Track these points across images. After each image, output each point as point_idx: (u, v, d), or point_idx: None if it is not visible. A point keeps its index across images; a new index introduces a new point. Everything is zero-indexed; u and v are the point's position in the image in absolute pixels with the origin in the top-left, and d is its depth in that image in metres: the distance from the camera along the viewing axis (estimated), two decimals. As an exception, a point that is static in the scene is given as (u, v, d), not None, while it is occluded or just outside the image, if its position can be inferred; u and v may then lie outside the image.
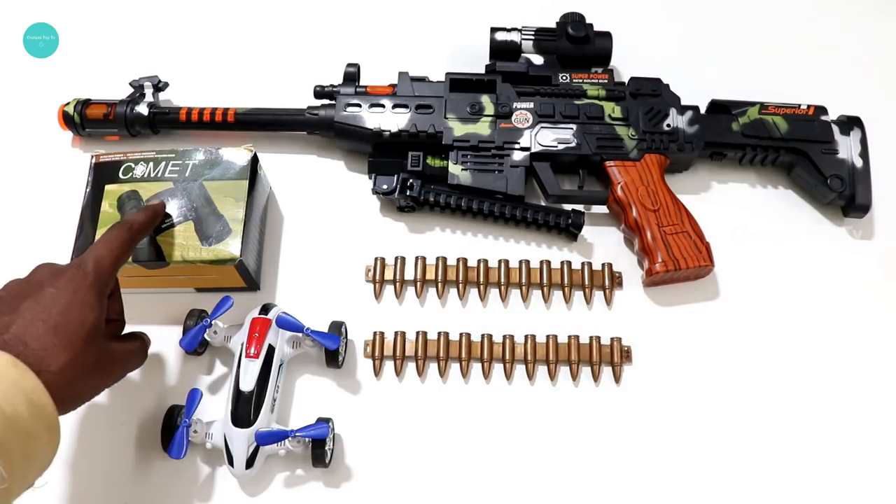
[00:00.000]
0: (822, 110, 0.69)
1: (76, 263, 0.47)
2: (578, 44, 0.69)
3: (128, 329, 0.53)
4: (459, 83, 0.68)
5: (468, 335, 0.61)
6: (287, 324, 0.56)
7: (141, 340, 0.53)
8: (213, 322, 0.57)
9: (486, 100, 0.67)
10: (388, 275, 0.64)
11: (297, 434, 0.53)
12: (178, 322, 0.58)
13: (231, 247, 0.58)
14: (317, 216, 0.68)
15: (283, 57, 0.76)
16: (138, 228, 0.53)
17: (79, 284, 0.46)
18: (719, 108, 0.69)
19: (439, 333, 0.61)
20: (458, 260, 0.64)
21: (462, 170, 0.65)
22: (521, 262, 0.65)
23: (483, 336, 0.62)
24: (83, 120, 0.68)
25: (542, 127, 0.67)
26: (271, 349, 0.56)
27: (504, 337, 0.62)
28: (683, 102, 0.68)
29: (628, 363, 0.61)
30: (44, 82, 0.74)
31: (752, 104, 0.68)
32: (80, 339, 0.44)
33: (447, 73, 0.68)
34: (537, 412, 0.59)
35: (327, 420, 0.55)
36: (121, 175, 0.61)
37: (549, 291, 0.64)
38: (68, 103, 0.69)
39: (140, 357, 0.53)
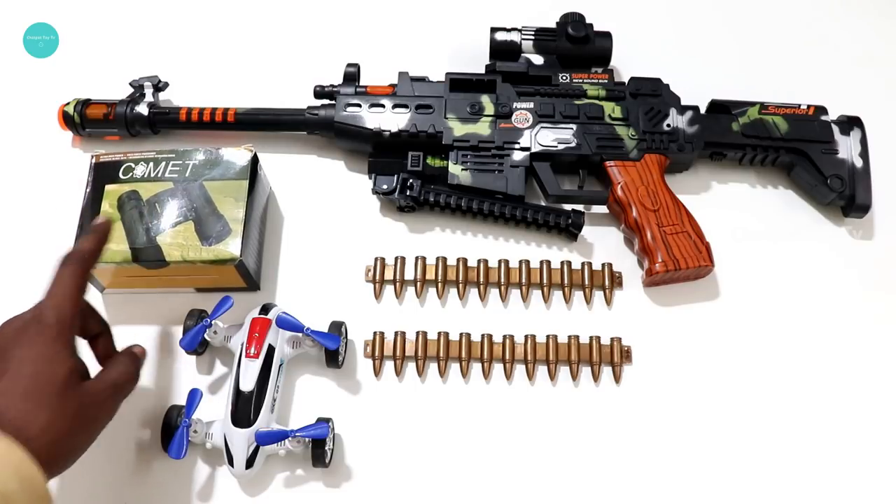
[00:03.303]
0: (822, 110, 0.69)
1: (35, 316, 0.45)
2: (578, 44, 0.69)
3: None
4: (459, 83, 0.68)
5: (468, 335, 0.61)
6: (287, 324, 0.56)
7: (126, 362, 0.51)
8: (213, 322, 0.57)
9: (486, 100, 0.67)
10: (388, 275, 0.64)
11: (297, 434, 0.53)
12: (178, 322, 0.58)
13: (231, 247, 0.58)
14: (317, 216, 0.68)
15: (283, 57, 0.76)
16: (90, 257, 0.50)
17: (42, 341, 0.44)
18: (719, 108, 0.69)
19: (439, 333, 0.61)
20: (458, 260, 0.64)
21: (462, 170, 0.65)
22: (521, 262, 0.65)
23: (483, 336, 0.62)
24: (83, 120, 0.68)
25: (542, 127, 0.67)
26: (271, 349, 0.56)
27: (504, 337, 0.62)
28: (683, 102, 0.68)
29: (628, 363, 0.61)
30: (44, 82, 0.74)
31: (752, 104, 0.68)
32: (54, 396, 0.43)
33: (447, 73, 0.68)
34: (537, 412, 0.59)
35: (327, 420, 0.55)
36: (121, 175, 0.61)
37: (549, 291, 0.64)
38: (68, 103, 0.69)
39: (130, 383, 0.50)
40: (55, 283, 0.47)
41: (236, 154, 0.62)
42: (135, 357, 0.51)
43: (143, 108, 0.68)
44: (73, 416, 0.44)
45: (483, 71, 0.70)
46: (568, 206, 0.67)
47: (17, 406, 0.42)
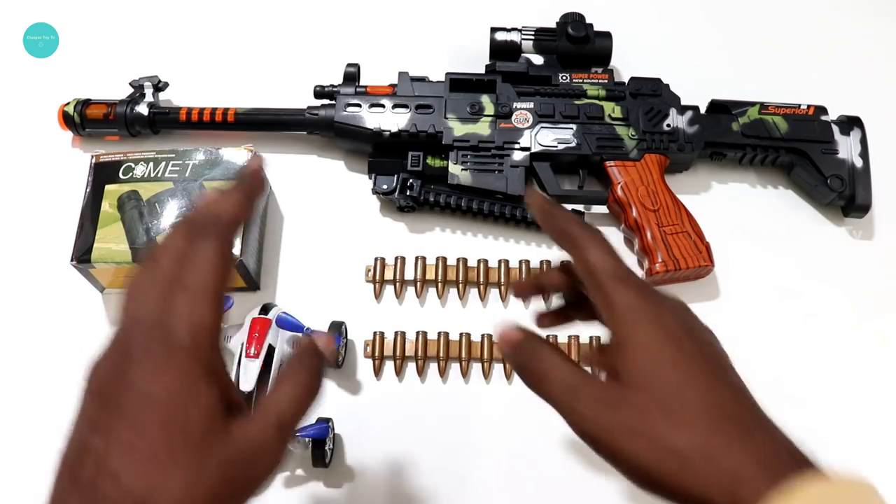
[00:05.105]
0: (822, 110, 0.69)
1: (160, 327, 0.31)
2: (578, 44, 0.69)
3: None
4: (459, 83, 0.68)
5: (468, 335, 0.61)
6: (287, 324, 0.56)
7: (301, 374, 0.34)
8: (213, 322, 0.57)
9: (486, 100, 0.67)
10: (388, 275, 0.64)
11: (297, 434, 0.53)
12: (178, 322, 0.58)
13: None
14: (317, 216, 0.68)
15: (283, 57, 0.76)
16: (234, 226, 0.35)
17: (172, 368, 0.30)
18: (719, 108, 0.69)
19: (439, 333, 0.61)
20: (458, 260, 0.64)
21: (462, 170, 0.65)
22: (520, 262, 0.65)
23: (483, 336, 0.62)
24: (83, 120, 0.68)
25: (542, 127, 0.67)
26: (271, 349, 0.56)
27: (504, 337, 0.61)
28: (683, 102, 0.68)
29: (628, 363, 0.61)
30: (44, 82, 0.74)
31: (752, 104, 0.69)
32: (191, 451, 0.29)
33: (447, 73, 0.68)
34: (538, 412, 0.59)
35: (327, 420, 0.55)
36: (121, 175, 0.61)
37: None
38: (68, 103, 0.69)
39: (304, 408, 0.33)
40: (188, 269, 0.32)
41: (236, 154, 0.62)
42: (318, 359, 0.35)
43: (143, 108, 0.68)
44: (217, 475, 0.29)
45: (483, 71, 0.70)
46: (568, 206, 0.67)
47: (139, 469, 0.28)
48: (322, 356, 0.35)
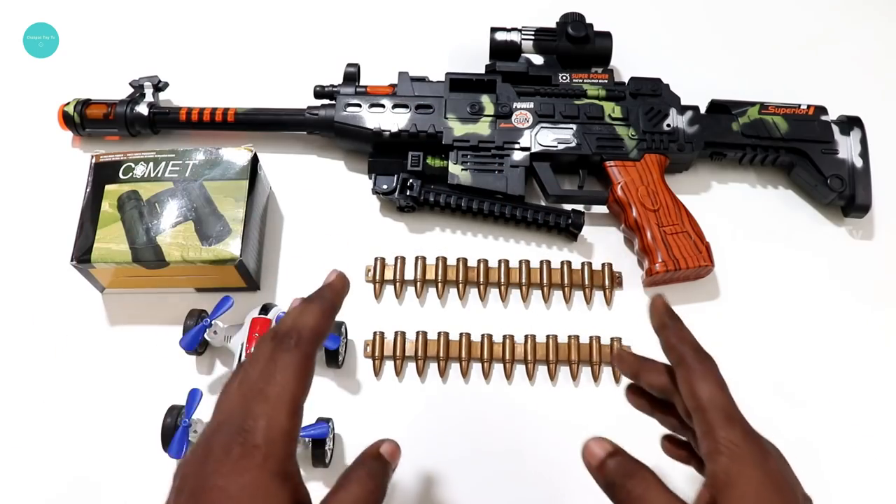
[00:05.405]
0: (822, 110, 0.69)
1: (240, 429, 0.33)
2: (578, 44, 0.69)
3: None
4: (459, 83, 0.68)
5: (468, 335, 0.61)
6: (287, 324, 0.56)
7: (363, 478, 0.37)
8: (213, 322, 0.57)
9: (486, 100, 0.67)
10: (388, 275, 0.64)
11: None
12: (178, 322, 0.58)
13: (231, 247, 0.58)
14: (317, 216, 0.68)
15: (283, 57, 0.76)
16: (317, 339, 0.38)
17: (247, 467, 0.32)
18: (719, 108, 0.69)
19: (439, 333, 0.61)
20: (458, 260, 0.64)
21: (462, 170, 0.65)
22: (521, 262, 0.65)
23: (483, 336, 0.62)
24: (83, 120, 0.68)
25: (542, 127, 0.67)
26: (271, 349, 0.56)
27: (504, 337, 0.62)
28: (683, 102, 0.69)
29: (628, 363, 0.61)
30: (44, 82, 0.74)
31: (752, 104, 0.69)
32: None
33: (447, 73, 0.68)
34: (537, 412, 0.59)
35: (327, 420, 0.55)
36: (121, 175, 0.61)
37: (549, 291, 0.64)
38: (68, 103, 0.69)
39: None
40: (269, 380, 0.35)
41: (236, 154, 0.62)
42: (381, 463, 0.38)
43: (143, 108, 0.68)
44: None
45: (483, 71, 0.70)
46: (568, 206, 0.67)
47: None
48: (386, 462, 0.39)
